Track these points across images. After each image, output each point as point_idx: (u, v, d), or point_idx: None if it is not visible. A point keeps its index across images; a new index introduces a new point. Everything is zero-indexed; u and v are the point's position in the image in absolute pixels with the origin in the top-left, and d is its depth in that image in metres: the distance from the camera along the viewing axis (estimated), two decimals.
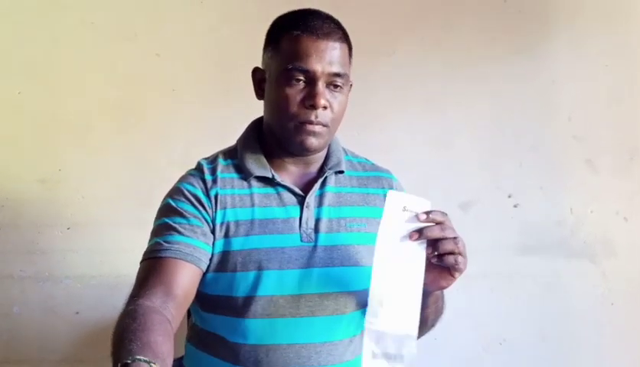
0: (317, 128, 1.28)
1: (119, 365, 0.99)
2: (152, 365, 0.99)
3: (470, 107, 2.10)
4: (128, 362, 0.99)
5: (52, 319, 1.97)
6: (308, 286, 1.27)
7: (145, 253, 1.31)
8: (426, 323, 1.36)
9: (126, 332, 1.08)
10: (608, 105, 2.12)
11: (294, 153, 1.35)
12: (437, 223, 1.15)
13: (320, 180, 1.37)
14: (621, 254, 2.10)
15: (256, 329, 1.28)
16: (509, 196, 2.10)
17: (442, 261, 1.16)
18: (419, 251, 1.15)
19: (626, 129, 2.11)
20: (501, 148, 2.10)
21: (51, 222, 1.99)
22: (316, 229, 1.33)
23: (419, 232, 1.14)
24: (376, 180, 1.44)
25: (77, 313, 1.98)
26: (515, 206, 2.10)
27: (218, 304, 1.31)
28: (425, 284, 1.16)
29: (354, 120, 1.94)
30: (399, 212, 1.15)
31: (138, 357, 0.99)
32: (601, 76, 2.12)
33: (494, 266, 2.08)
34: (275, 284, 1.28)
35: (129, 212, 1.97)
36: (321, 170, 1.39)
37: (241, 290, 1.29)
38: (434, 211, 1.16)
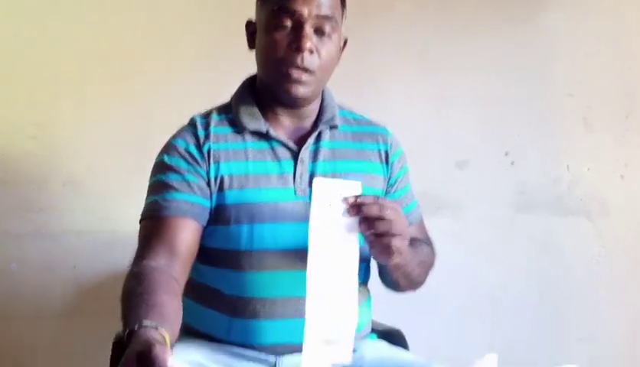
0: (303, 77, 1.28)
1: (127, 332, 1.02)
2: (159, 328, 1.01)
3: (467, 65, 2.08)
4: (136, 328, 1.01)
5: (50, 275, 1.98)
6: (304, 240, 1.27)
7: (144, 212, 1.32)
8: (398, 285, 1.39)
9: (133, 295, 1.11)
10: (605, 63, 2.10)
11: (285, 103, 1.34)
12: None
13: (314, 135, 1.37)
14: (616, 212, 2.11)
15: (253, 283, 1.29)
16: (506, 154, 2.10)
17: (378, 242, 1.17)
18: (352, 237, 1.16)
19: (622, 87, 2.10)
20: (498, 106, 2.09)
21: (47, 178, 1.99)
22: (310, 184, 1.32)
23: (357, 208, 1.14)
24: (371, 136, 1.43)
25: (75, 267, 1.99)
26: (512, 164, 2.10)
27: (214, 257, 1.33)
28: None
29: (350, 79, 1.95)
30: (328, 199, 1.15)
31: (145, 323, 1.01)
32: (597, 34, 2.10)
33: (490, 224, 2.09)
34: (270, 237, 1.29)
35: (125, 168, 1.97)
36: (315, 125, 1.38)
37: (236, 244, 1.30)
38: (365, 196, 1.16)
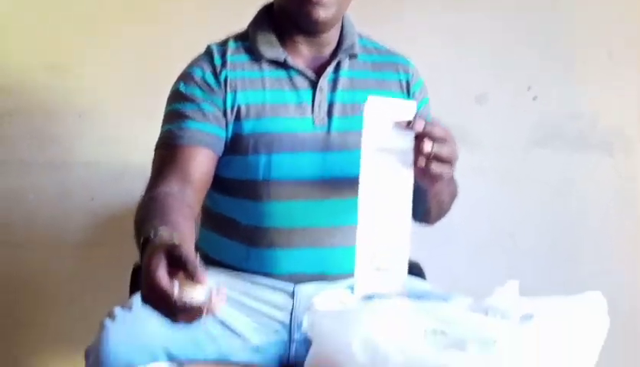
0: None
1: (142, 240, 1.01)
2: (174, 235, 0.99)
3: None
4: (151, 236, 1.00)
5: (67, 205, 1.99)
6: (322, 170, 1.27)
7: (158, 141, 1.31)
8: (429, 214, 1.38)
9: (147, 215, 1.10)
10: None
11: (304, 29, 1.31)
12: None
13: (333, 63, 1.34)
14: (639, 147, 2.07)
15: (270, 213, 1.29)
16: (528, 89, 2.06)
17: (433, 164, 1.13)
18: (407, 160, 1.11)
19: None
20: (521, 39, 2.03)
21: (62, 109, 1.98)
22: (329, 114, 1.31)
23: (418, 143, 1.10)
24: (391, 65, 1.41)
25: (92, 199, 2.00)
26: (534, 99, 2.06)
27: (231, 187, 1.32)
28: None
29: (368, 12, 1.89)
30: (380, 118, 1.10)
31: (161, 231, 1.00)
32: None
33: (509, 159, 2.06)
34: (287, 167, 1.28)
35: (140, 99, 1.95)
36: (335, 54, 1.35)
37: (253, 174, 1.29)
38: (420, 116, 1.12)
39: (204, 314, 0.90)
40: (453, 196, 1.41)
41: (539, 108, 2.05)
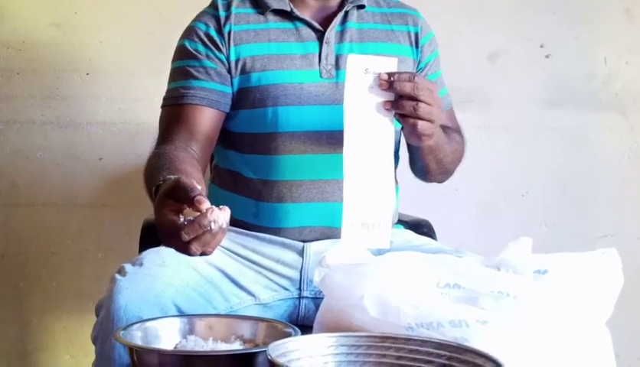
0: None
1: (154, 189, 1.04)
2: (181, 178, 1.00)
3: None
4: (161, 183, 1.02)
5: (76, 165, 1.99)
6: (330, 122, 1.25)
7: (164, 99, 1.33)
8: (429, 171, 1.36)
9: (155, 167, 1.13)
10: None
11: None
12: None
13: (340, 15, 1.32)
14: None
15: (278, 166, 1.28)
16: (541, 47, 2.02)
17: (405, 122, 1.13)
18: (387, 116, 1.11)
19: None
20: None
21: (70, 68, 1.96)
22: (337, 66, 1.30)
23: (390, 84, 1.09)
24: (400, 17, 1.38)
25: (101, 159, 1.99)
26: (547, 57, 2.02)
27: (239, 141, 1.32)
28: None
29: None
30: (362, 75, 1.10)
31: (168, 177, 1.02)
32: None
33: (520, 119, 2.03)
34: (295, 120, 1.27)
35: (148, 58, 1.94)
36: (342, 5, 1.33)
37: (261, 127, 1.29)
38: (401, 73, 1.10)
39: (214, 235, 0.91)
40: (457, 154, 1.39)
41: (552, 66, 2.02)
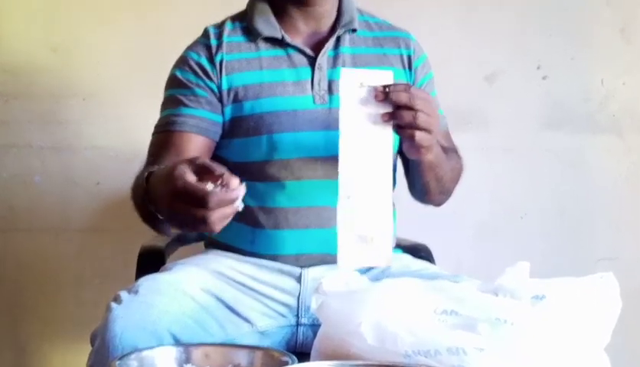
0: None
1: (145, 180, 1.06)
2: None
3: None
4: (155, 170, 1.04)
5: (73, 189, 1.98)
6: (325, 148, 1.26)
7: (155, 127, 1.34)
8: (428, 190, 1.35)
9: (140, 177, 1.13)
10: None
11: (301, 2, 1.30)
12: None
13: (332, 40, 1.32)
14: None
15: (274, 192, 1.28)
16: (538, 68, 2.03)
17: (402, 133, 1.12)
18: (385, 130, 1.10)
19: None
20: (531, 17, 2.01)
21: (67, 92, 1.96)
22: (330, 91, 1.30)
23: (385, 95, 1.09)
24: (393, 40, 1.39)
25: (98, 183, 1.99)
26: (544, 78, 2.03)
27: (235, 170, 1.28)
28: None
29: None
30: (356, 89, 1.09)
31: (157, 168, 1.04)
32: None
33: (517, 140, 2.04)
34: (289, 147, 1.27)
35: (145, 83, 1.92)
36: (333, 30, 1.34)
37: (256, 155, 1.29)
38: (396, 84, 1.10)
39: (232, 212, 0.94)
40: (455, 172, 1.38)
41: (549, 87, 2.03)
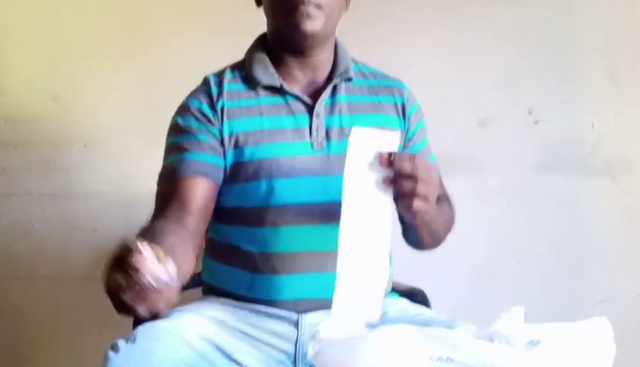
0: (310, 9, 1.26)
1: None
2: (142, 241, 0.91)
3: (490, 21, 2.03)
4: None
5: (73, 236, 2.00)
6: (323, 194, 1.28)
7: (159, 175, 1.34)
8: (422, 242, 1.39)
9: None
10: (633, 17, 2.04)
11: (296, 49, 1.34)
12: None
13: (329, 88, 1.36)
14: None
15: (273, 238, 1.29)
16: (529, 113, 2.06)
17: (401, 199, 1.14)
18: (386, 193, 1.13)
19: None
20: (522, 63, 2.04)
21: (67, 140, 1.99)
22: (328, 137, 1.33)
23: (390, 162, 1.12)
24: (387, 88, 1.42)
25: (96, 229, 2.00)
26: (535, 123, 2.06)
27: (234, 215, 1.33)
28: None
29: (370, 35, 1.92)
30: (364, 149, 1.12)
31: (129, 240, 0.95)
32: None
33: (511, 184, 2.06)
34: (288, 192, 1.29)
35: (145, 129, 1.97)
36: (330, 78, 1.37)
37: (254, 201, 1.30)
38: (401, 153, 1.14)
39: (160, 292, 0.87)
40: (448, 224, 1.42)
41: (541, 131, 2.06)
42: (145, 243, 0.89)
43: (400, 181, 1.13)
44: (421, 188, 1.13)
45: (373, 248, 1.13)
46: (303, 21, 1.27)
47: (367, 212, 1.13)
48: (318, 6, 1.27)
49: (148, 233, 1.12)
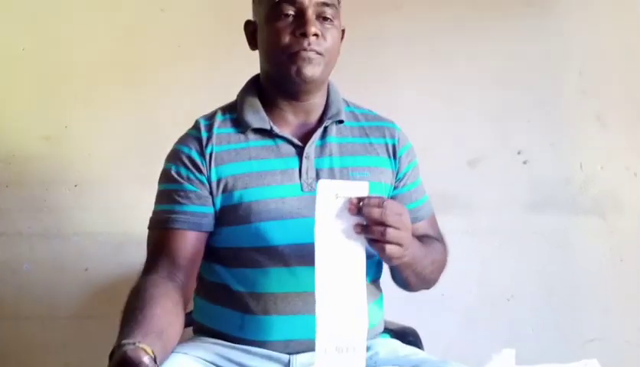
0: (311, 55, 1.28)
1: (112, 350, 1.05)
2: (138, 344, 1.02)
3: (479, 62, 2.07)
4: (115, 347, 1.04)
5: (61, 276, 1.98)
6: (313, 235, 1.27)
7: (150, 221, 1.36)
8: (409, 283, 1.38)
9: (127, 311, 1.15)
10: (619, 60, 2.08)
11: (290, 95, 1.35)
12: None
13: (319, 130, 1.36)
14: (630, 210, 2.09)
15: (263, 279, 1.29)
16: (518, 153, 2.08)
17: (373, 245, 1.15)
18: (358, 240, 1.14)
19: (637, 84, 2.08)
20: (510, 104, 2.08)
21: (58, 180, 1.99)
22: (318, 179, 1.33)
23: (358, 209, 1.12)
24: (378, 129, 1.43)
25: (86, 269, 1.99)
26: (524, 163, 2.08)
27: (224, 256, 1.33)
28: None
29: (360, 76, 1.94)
30: (332, 200, 1.13)
31: (123, 342, 1.03)
32: (612, 31, 2.08)
33: (502, 223, 2.07)
34: (278, 234, 1.29)
35: (135, 169, 1.97)
36: (321, 121, 1.38)
37: (244, 242, 1.30)
38: (370, 197, 1.14)
39: None
40: (438, 264, 1.41)
41: (530, 171, 2.08)
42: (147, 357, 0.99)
43: (371, 228, 1.13)
44: (391, 233, 1.13)
45: (350, 296, 1.13)
46: (304, 66, 1.28)
47: (341, 262, 1.13)
48: (319, 52, 1.29)
49: (137, 301, 1.15)
